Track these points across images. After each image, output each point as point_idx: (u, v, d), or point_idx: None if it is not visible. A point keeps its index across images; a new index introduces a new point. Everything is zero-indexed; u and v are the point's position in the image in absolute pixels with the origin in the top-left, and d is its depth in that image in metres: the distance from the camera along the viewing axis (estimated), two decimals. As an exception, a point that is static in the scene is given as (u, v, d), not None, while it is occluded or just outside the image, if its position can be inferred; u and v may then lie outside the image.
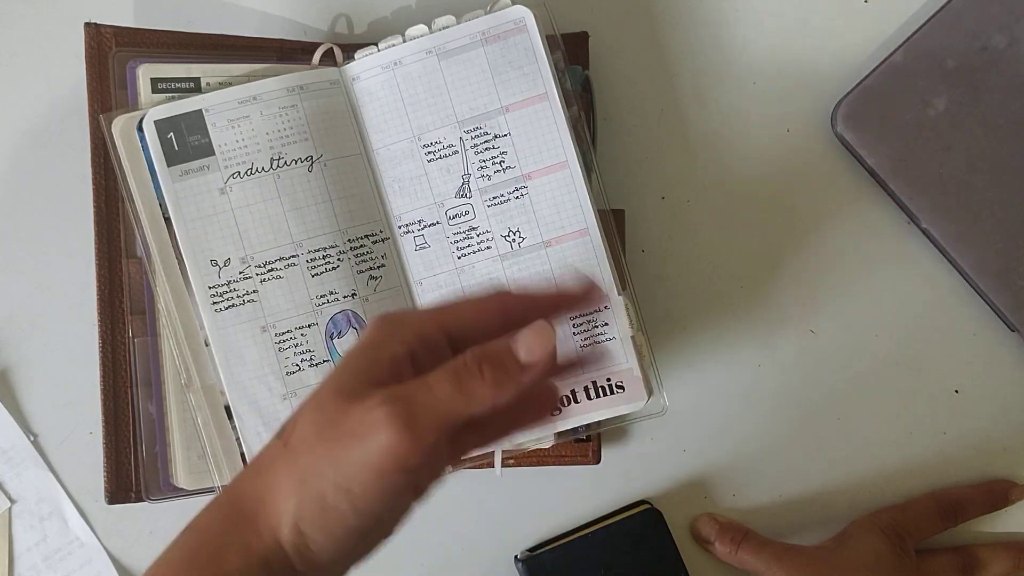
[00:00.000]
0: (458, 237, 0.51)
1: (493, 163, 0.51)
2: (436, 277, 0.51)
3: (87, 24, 0.51)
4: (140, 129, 0.49)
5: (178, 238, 0.49)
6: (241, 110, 0.50)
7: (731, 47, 0.57)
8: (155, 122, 0.49)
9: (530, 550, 0.56)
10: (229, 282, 0.49)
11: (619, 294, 0.51)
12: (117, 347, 0.52)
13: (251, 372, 0.49)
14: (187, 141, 0.49)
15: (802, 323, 0.57)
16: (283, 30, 0.57)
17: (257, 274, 0.50)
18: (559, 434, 0.52)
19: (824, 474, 0.57)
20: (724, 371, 0.57)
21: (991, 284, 0.54)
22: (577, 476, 0.56)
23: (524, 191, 0.51)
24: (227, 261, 0.50)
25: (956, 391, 0.57)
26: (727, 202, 0.57)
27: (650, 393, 0.51)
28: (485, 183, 0.51)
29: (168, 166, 0.49)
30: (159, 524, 0.57)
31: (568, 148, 0.50)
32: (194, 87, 0.51)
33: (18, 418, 0.56)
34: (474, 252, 0.51)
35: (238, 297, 0.50)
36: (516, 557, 0.56)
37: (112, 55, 0.51)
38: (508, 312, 0.37)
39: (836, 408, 0.57)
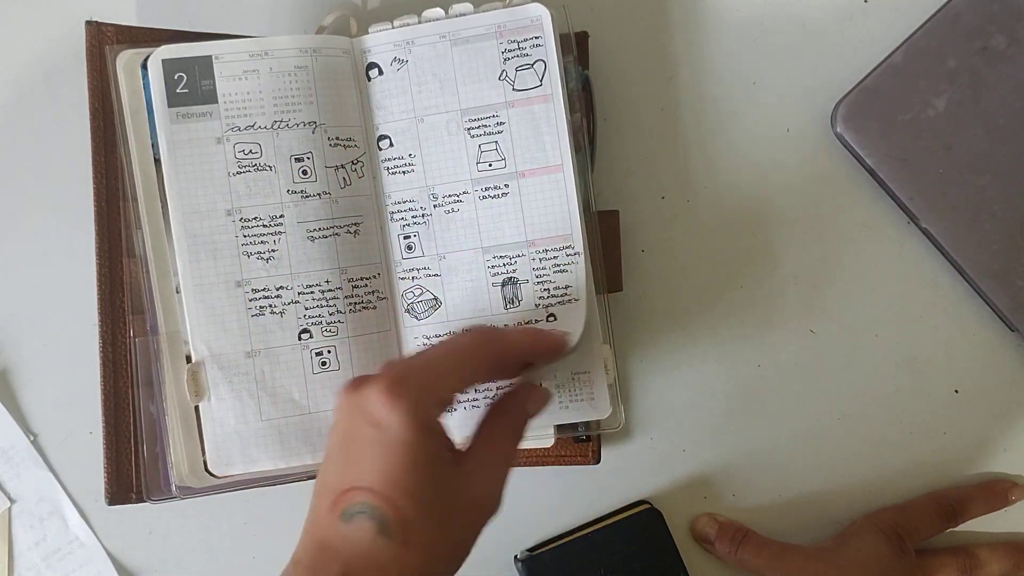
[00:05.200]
0: (442, 224, 0.51)
1: (489, 155, 0.51)
2: (413, 260, 0.52)
3: (88, 22, 0.51)
4: (144, 68, 0.50)
5: (166, 181, 0.49)
6: (251, 63, 0.50)
7: (731, 47, 0.57)
8: (163, 60, 0.49)
9: (530, 550, 0.56)
10: (211, 233, 0.49)
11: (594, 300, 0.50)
12: (117, 347, 0.52)
13: (217, 325, 0.49)
14: (191, 85, 0.49)
15: (802, 323, 0.57)
16: (288, 29, 0.57)
17: (241, 229, 0.50)
18: (560, 427, 0.52)
19: (824, 474, 0.57)
20: (724, 371, 0.57)
21: (991, 284, 0.54)
22: (577, 476, 0.56)
23: (516, 188, 0.51)
24: (212, 212, 0.49)
25: (956, 391, 0.57)
26: (727, 202, 0.57)
27: (610, 408, 0.50)
28: (479, 174, 0.51)
29: (168, 107, 0.49)
30: (159, 524, 0.57)
31: (565, 152, 0.50)
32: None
33: (18, 418, 0.56)
34: (456, 244, 0.51)
35: (216, 249, 0.49)
36: (516, 557, 0.56)
37: (113, 53, 0.51)
38: (494, 362, 0.44)
39: (836, 408, 0.57)
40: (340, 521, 0.38)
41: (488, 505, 0.42)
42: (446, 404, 0.41)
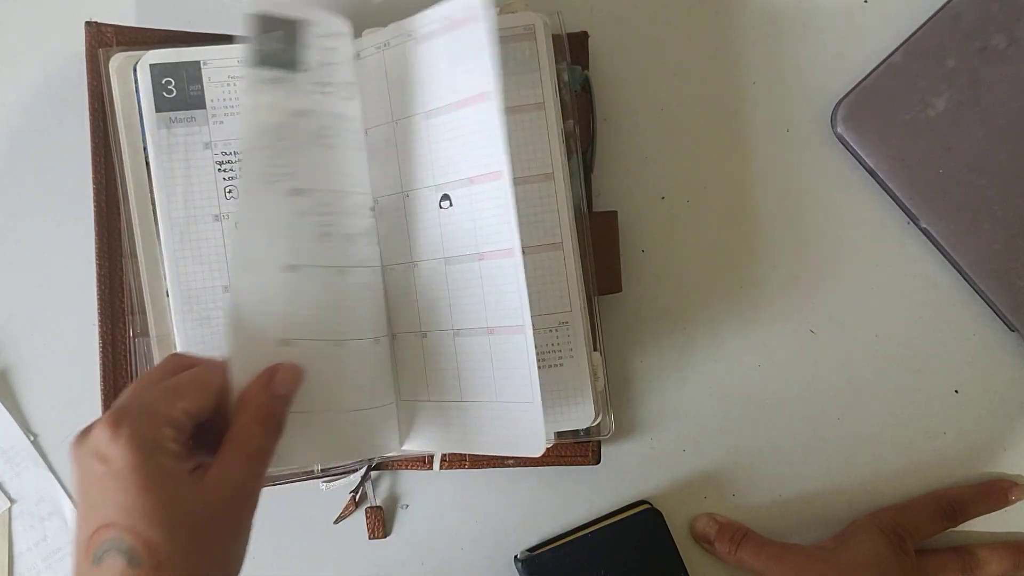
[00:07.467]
0: (423, 231, 0.50)
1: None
2: (394, 268, 0.51)
3: (88, 23, 0.51)
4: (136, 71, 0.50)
5: (154, 185, 0.49)
6: (239, 69, 0.50)
7: (731, 47, 0.57)
8: (150, 66, 0.49)
9: (530, 550, 0.56)
10: (198, 238, 0.50)
11: (582, 305, 0.50)
12: (117, 347, 0.52)
13: (204, 330, 0.50)
14: (180, 90, 0.50)
15: (802, 323, 0.57)
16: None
17: (229, 234, 0.50)
18: (559, 434, 0.52)
19: (824, 474, 0.57)
20: (724, 371, 0.57)
21: (991, 284, 0.54)
22: (577, 476, 0.56)
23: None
24: (200, 217, 0.50)
25: (956, 391, 0.57)
26: (727, 202, 0.57)
27: (597, 414, 0.50)
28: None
29: (156, 111, 0.49)
30: (159, 524, 0.57)
31: (556, 160, 0.50)
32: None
33: (18, 418, 0.56)
34: (431, 253, 0.51)
35: (204, 254, 0.50)
36: (516, 557, 0.56)
37: (106, 56, 0.51)
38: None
39: (836, 408, 0.57)
40: (92, 566, 0.38)
41: (238, 500, 0.41)
42: (179, 424, 0.40)
